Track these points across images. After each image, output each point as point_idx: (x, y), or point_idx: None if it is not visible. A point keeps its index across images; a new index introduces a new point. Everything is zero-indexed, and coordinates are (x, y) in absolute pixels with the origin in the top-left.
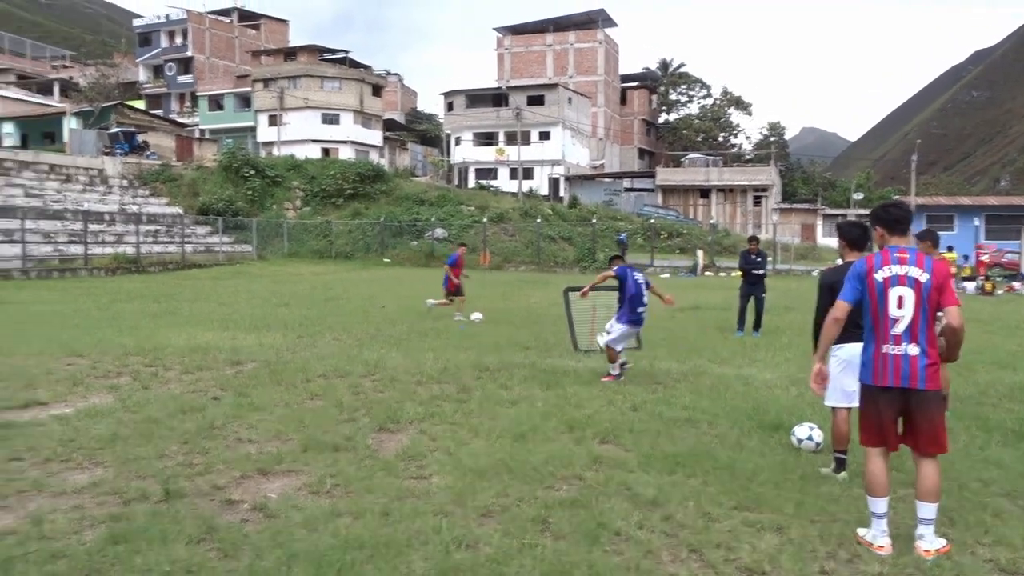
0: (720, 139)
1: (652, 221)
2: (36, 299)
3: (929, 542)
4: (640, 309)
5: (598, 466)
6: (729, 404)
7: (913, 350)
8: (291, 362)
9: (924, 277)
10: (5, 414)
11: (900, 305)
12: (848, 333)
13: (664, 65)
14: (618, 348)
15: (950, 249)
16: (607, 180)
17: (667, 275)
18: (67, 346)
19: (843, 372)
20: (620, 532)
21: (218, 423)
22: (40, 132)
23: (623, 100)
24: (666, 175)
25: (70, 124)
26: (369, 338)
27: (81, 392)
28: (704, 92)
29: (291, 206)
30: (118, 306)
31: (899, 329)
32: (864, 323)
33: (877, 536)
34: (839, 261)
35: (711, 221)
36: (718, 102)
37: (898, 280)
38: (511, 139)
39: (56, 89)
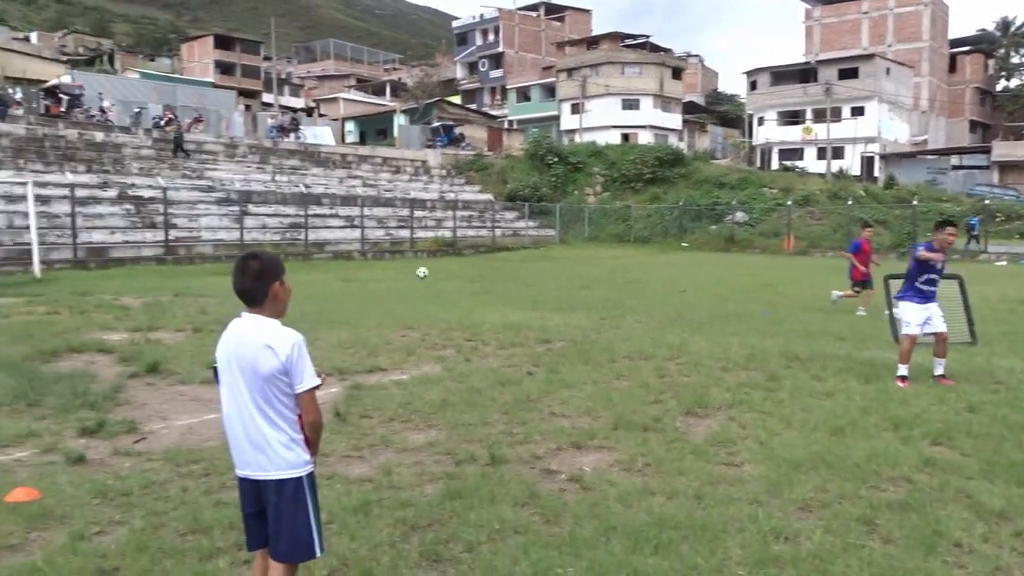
0: None
1: (986, 202)
2: (373, 277)
3: None
4: (922, 280)
5: (930, 469)
6: None
7: None
8: (596, 342)
9: None
10: (356, 377)
11: None
12: None
13: (1005, 24)
14: (913, 331)
15: None
16: (930, 157)
17: (1003, 262)
18: (400, 319)
19: None
20: (961, 544)
21: (533, 396)
22: (375, 129)
23: (952, 67)
24: (1005, 149)
25: (399, 121)
26: (671, 321)
27: (414, 361)
28: None
29: (592, 191)
30: (440, 285)
31: None
32: None
33: None
34: None
35: None
36: None
37: None
38: (819, 116)
39: (387, 90)
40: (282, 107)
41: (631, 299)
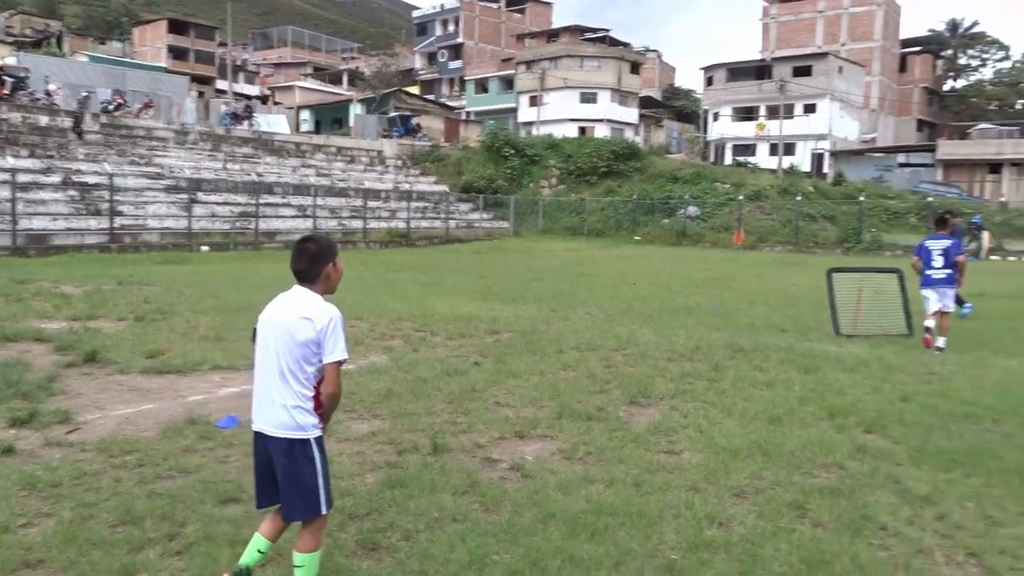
0: (1018, 107)
1: (930, 199)
2: None
3: None
4: (927, 272)
5: (862, 456)
6: (1019, 401)
7: None
8: (545, 333)
9: None
10: None
11: None
12: None
13: (953, 26)
14: (928, 310)
15: None
16: (878, 155)
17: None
18: (350, 309)
19: None
20: (887, 527)
21: (479, 386)
22: (331, 118)
23: (902, 67)
24: (949, 148)
25: (355, 110)
26: (620, 313)
27: (362, 351)
28: (1001, 54)
29: (547, 184)
30: (391, 275)
31: None
32: None
33: None
34: None
35: (1001, 198)
36: (1019, 65)
37: None
38: (773, 113)
39: (345, 79)
40: (236, 94)
41: (582, 291)
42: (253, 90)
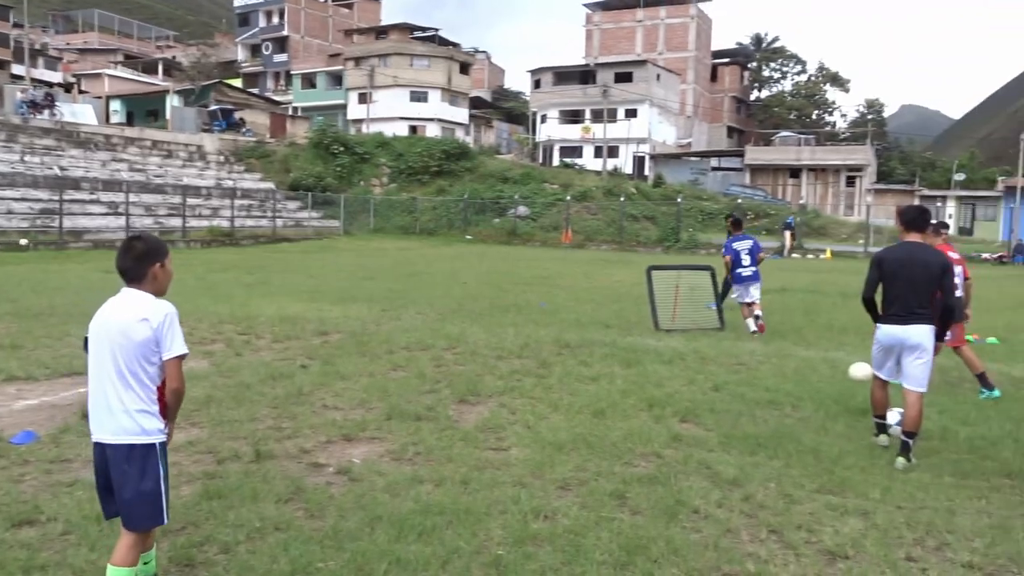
0: (814, 117)
1: (739, 201)
2: None
3: None
4: (737, 271)
5: (677, 444)
6: (814, 387)
7: None
8: (376, 334)
9: None
10: None
11: None
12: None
13: (758, 40)
14: (745, 301)
15: None
16: (694, 159)
17: None
18: None
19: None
20: (699, 510)
21: (306, 390)
22: (144, 110)
23: (713, 77)
24: (755, 154)
25: (172, 102)
26: (451, 312)
27: None
28: (799, 68)
29: (378, 182)
30: (213, 276)
31: None
32: None
33: None
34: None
35: (800, 201)
36: (813, 78)
37: None
38: (597, 117)
39: (160, 68)
40: (35, 81)
41: (414, 291)
42: (55, 77)
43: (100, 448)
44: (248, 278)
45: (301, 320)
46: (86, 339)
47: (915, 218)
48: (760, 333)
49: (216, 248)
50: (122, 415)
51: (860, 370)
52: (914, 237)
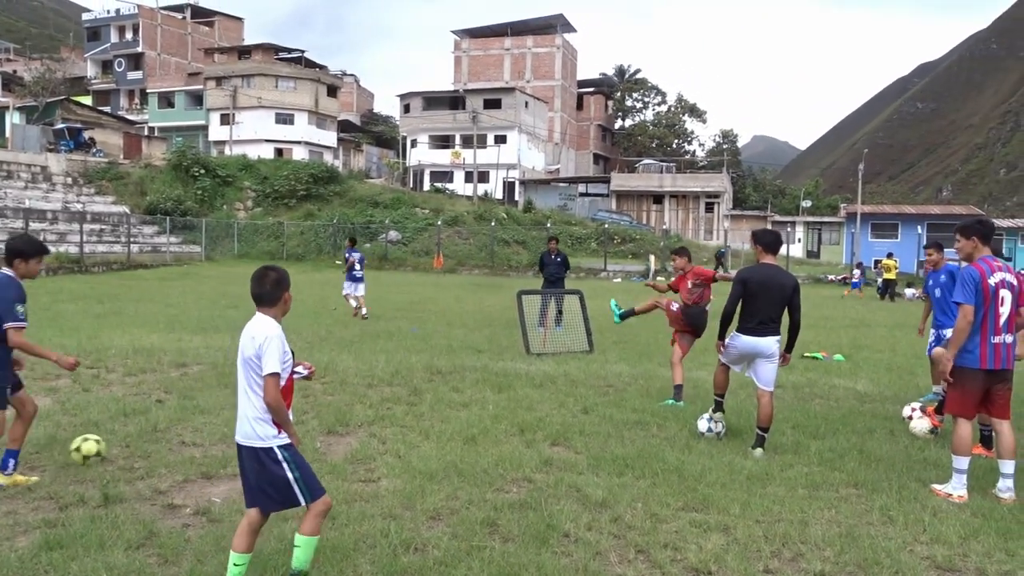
0: (674, 145)
1: (606, 226)
2: None
3: (1008, 492)
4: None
5: (548, 468)
6: (679, 407)
7: (1009, 339)
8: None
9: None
10: None
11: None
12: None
13: (621, 71)
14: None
15: (890, 256)
16: (562, 184)
17: (619, 279)
18: None
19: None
20: (569, 534)
21: (161, 426)
22: None
23: (580, 105)
24: (620, 181)
25: (13, 119)
26: (320, 340)
27: None
28: (659, 99)
29: (242, 207)
30: (59, 306)
31: (1002, 323)
32: (975, 318)
33: (958, 488)
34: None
35: (664, 227)
36: (673, 109)
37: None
38: (467, 142)
39: None
40: None
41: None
42: None
43: (239, 448)
44: (99, 308)
45: (158, 352)
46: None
47: (772, 242)
48: None
49: (63, 276)
50: (245, 421)
51: (920, 424)
52: (770, 259)
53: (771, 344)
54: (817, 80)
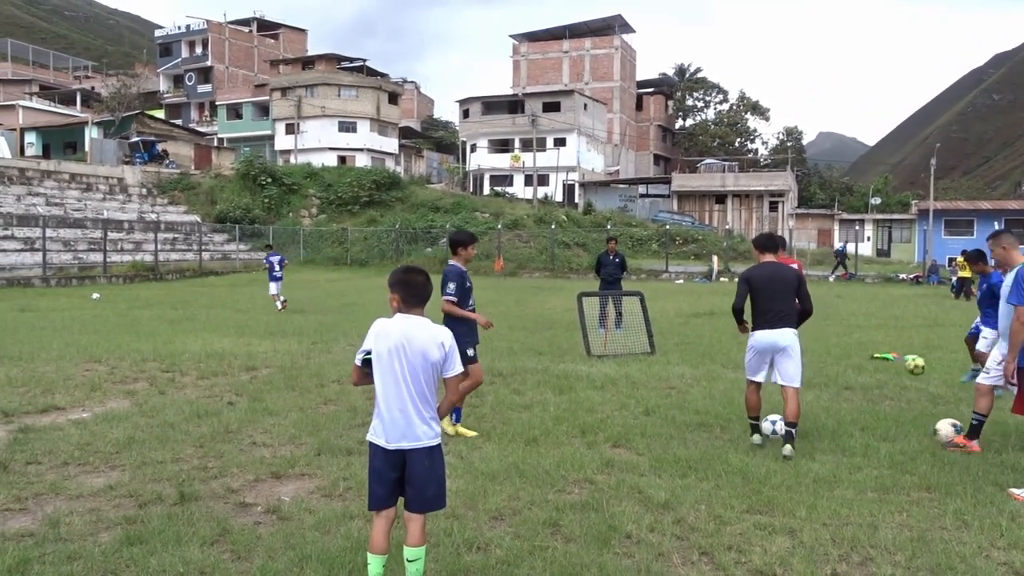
0: (736, 144)
1: (667, 227)
2: (55, 306)
3: None
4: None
5: (610, 470)
6: (742, 408)
7: None
8: (306, 368)
9: None
10: (24, 419)
11: None
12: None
13: (681, 71)
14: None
15: (964, 253)
16: (622, 186)
17: (681, 280)
18: (86, 352)
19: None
20: (631, 535)
21: (233, 427)
22: (62, 142)
23: (639, 106)
24: (681, 181)
25: (91, 134)
26: None
27: (99, 397)
28: (721, 97)
29: (307, 214)
30: (136, 312)
31: None
32: None
33: None
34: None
35: (726, 227)
36: (735, 107)
37: None
38: (526, 146)
39: (78, 99)
40: None
41: (345, 322)
42: None
43: (394, 453)
44: (173, 314)
45: (228, 356)
46: (367, 358)
47: (764, 242)
48: None
49: (140, 283)
50: (421, 423)
51: (944, 427)
52: (769, 257)
53: (788, 335)
54: (886, 74)
